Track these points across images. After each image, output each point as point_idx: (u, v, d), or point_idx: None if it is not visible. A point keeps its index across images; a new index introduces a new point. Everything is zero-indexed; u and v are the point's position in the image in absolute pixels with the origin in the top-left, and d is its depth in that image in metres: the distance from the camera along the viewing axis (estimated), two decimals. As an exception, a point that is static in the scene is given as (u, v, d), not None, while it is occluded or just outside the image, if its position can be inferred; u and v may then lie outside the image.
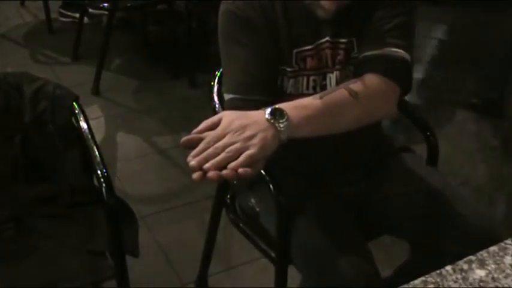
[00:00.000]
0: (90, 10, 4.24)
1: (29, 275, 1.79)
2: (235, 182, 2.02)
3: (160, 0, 4.21)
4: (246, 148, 1.31)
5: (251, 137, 1.33)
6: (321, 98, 1.49)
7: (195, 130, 1.35)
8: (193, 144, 1.31)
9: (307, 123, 1.43)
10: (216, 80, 1.94)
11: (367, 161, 1.87)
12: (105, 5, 3.84)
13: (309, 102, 1.49)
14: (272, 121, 1.36)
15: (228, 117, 1.37)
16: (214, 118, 1.37)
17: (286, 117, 1.38)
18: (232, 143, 1.31)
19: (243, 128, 1.34)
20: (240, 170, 1.27)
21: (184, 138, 1.33)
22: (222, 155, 1.29)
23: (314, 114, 1.46)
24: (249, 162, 1.29)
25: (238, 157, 1.29)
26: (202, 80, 3.84)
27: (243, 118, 1.36)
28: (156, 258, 2.63)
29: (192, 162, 1.28)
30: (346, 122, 1.54)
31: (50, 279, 1.78)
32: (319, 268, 1.64)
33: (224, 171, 1.27)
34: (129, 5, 4.05)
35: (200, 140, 1.32)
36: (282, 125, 1.37)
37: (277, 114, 1.38)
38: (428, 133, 2.00)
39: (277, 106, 1.40)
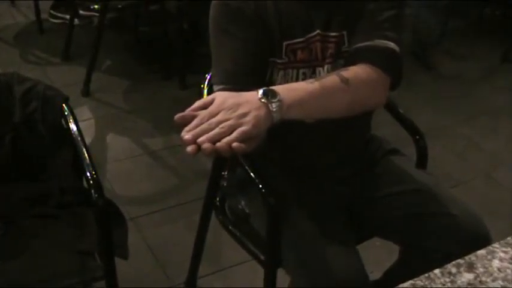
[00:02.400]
0: (81, 12, 4.23)
1: (19, 274, 1.78)
2: (225, 184, 2.03)
3: (152, 0, 4.21)
4: (240, 125, 1.32)
5: (244, 115, 1.34)
6: (312, 82, 1.50)
7: (189, 109, 1.36)
8: (186, 122, 1.32)
9: (299, 105, 1.44)
10: (207, 82, 1.94)
11: (356, 160, 1.88)
12: (96, 6, 3.84)
13: (301, 86, 1.50)
14: (265, 101, 1.37)
15: (222, 97, 1.38)
16: (208, 98, 1.38)
17: (278, 97, 1.39)
18: (225, 120, 1.32)
19: (236, 106, 1.35)
20: (234, 145, 1.28)
21: (178, 115, 1.34)
22: (216, 130, 1.30)
23: (306, 97, 1.46)
24: (243, 138, 1.30)
25: (231, 133, 1.30)
26: (193, 81, 3.83)
27: (236, 97, 1.38)
28: (146, 259, 2.63)
29: (187, 136, 1.29)
30: (337, 107, 1.55)
31: (39, 279, 1.78)
32: (308, 270, 1.64)
33: (218, 144, 1.28)
34: (120, 6, 4.05)
35: (194, 117, 1.33)
36: (274, 105, 1.38)
37: (269, 94, 1.39)
38: (417, 136, 2.01)
39: (270, 87, 1.41)
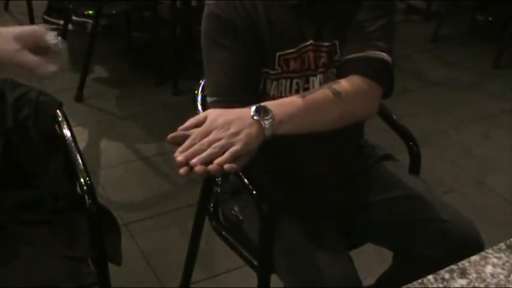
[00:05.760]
0: (74, 17, 4.23)
1: (10, 281, 1.77)
2: (218, 190, 2.03)
3: (145, 7, 4.21)
4: (231, 144, 1.33)
5: (236, 133, 1.35)
6: (304, 97, 1.51)
7: (181, 127, 1.38)
8: (179, 141, 1.34)
9: (290, 120, 1.46)
10: (200, 89, 1.94)
11: (349, 167, 1.88)
12: (89, 12, 3.84)
13: (293, 100, 1.52)
14: (257, 118, 1.39)
15: (214, 115, 1.39)
16: (200, 116, 1.40)
17: (270, 114, 1.41)
18: (217, 139, 1.34)
19: (228, 124, 1.37)
20: (226, 166, 1.30)
21: (170, 135, 1.35)
22: (208, 150, 1.32)
23: (297, 112, 1.48)
24: (234, 158, 1.32)
25: (223, 153, 1.32)
26: (186, 87, 3.84)
27: (228, 115, 1.39)
28: (139, 265, 2.62)
29: (179, 157, 1.30)
30: (328, 120, 1.56)
31: (31, 285, 1.77)
32: (301, 276, 1.64)
33: (210, 166, 1.30)
34: (113, 12, 4.05)
35: (186, 137, 1.35)
36: (266, 122, 1.40)
37: (262, 111, 1.41)
38: (410, 142, 2.01)
39: (262, 104, 1.43)
